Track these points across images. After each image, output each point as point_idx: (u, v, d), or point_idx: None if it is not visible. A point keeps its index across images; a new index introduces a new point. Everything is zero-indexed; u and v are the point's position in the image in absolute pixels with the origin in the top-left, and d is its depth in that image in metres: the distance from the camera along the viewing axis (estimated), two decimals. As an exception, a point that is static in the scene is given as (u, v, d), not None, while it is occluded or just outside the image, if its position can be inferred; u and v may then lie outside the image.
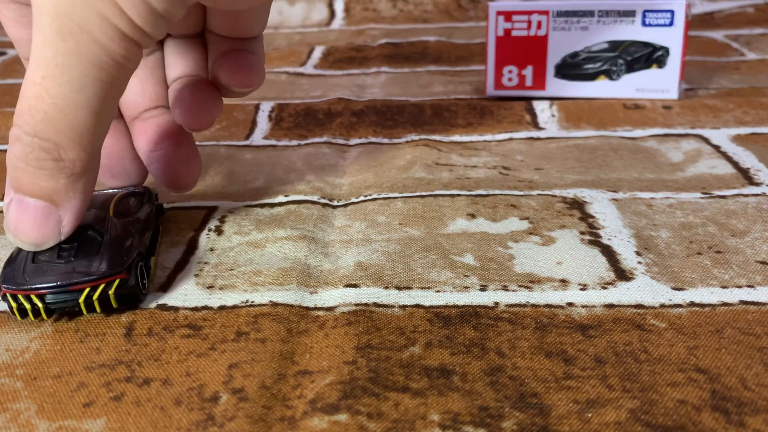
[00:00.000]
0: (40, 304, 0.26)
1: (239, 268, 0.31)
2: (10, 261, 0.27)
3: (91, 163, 0.24)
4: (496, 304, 0.28)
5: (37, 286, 0.26)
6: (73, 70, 0.21)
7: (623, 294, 0.28)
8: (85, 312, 0.27)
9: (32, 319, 0.27)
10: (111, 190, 0.33)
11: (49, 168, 0.23)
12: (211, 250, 0.33)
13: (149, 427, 0.22)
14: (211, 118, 0.33)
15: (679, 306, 0.28)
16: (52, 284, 0.26)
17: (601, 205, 0.35)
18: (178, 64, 0.34)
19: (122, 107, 0.34)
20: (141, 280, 0.28)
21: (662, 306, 0.28)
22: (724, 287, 0.29)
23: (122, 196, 0.32)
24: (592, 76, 0.50)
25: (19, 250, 0.28)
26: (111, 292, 0.27)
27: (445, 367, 0.24)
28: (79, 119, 0.22)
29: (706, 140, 0.43)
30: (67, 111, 0.21)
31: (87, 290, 0.26)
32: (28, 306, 0.26)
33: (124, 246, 0.28)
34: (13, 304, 0.27)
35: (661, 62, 0.49)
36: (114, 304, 0.27)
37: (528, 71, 0.50)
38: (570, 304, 0.28)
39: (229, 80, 0.32)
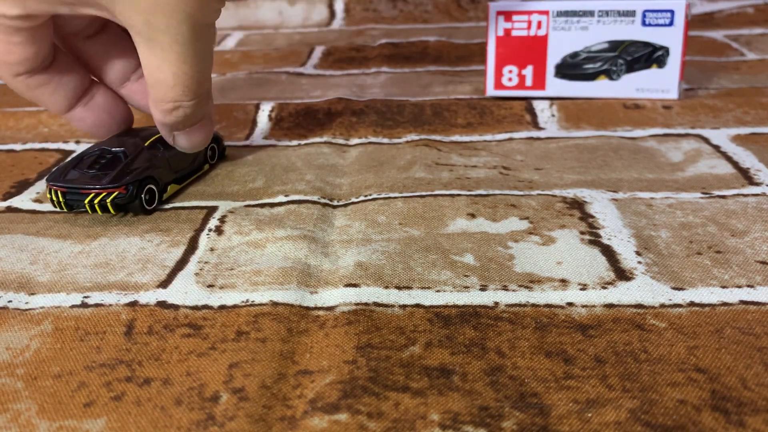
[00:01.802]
0: (60, 199, 0.35)
1: (239, 267, 0.31)
2: (63, 164, 0.36)
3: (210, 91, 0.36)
4: (496, 303, 0.28)
5: (60, 184, 0.35)
6: (203, 46, 0.32)
7: (623, 294, 0.28)
8: (89, 211, 0.35)
9: (58, 209, 0.36)
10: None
11: (202, 111, 0.35)
12: (212, 249, 0.33)
13: (150, 427, 0.22)
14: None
15: (679, 306, 0.28)
16: (69, 185, 0.35)
17: (601, 205, 0.35)
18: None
19: (110, 78, 0.39)
20: (144, 197, 0.35)
21: (662, 306, 0.28)
22: (724, 287, 0.29)
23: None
24: (592, 76, 0.50)
25: (73, 159, 0.36)
26: (109, 200, 0.34)
27: (445, 366, 0.24)
28: (209, 73, 0.34)
29: (706, 140, 0.43)
30: (205, 74, 0.33)
31: (91, 195, 0.34)
32: (54, 198, 0.35)
33: (134, 169, 0.35)
34: (48, 195, 0.35)
35: (661, 62, 0.49)
36: (111, 210, 0.34)
37: (528, 71, 0.50)
38: (570, 304, 0.28)
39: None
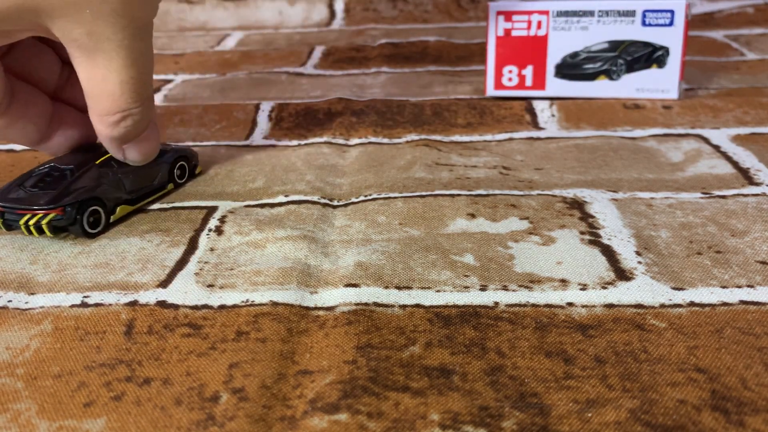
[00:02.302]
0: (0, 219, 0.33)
1: (239, 267, 0.31)
2: (11, 181, 0.34)
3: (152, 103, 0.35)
4: (496, 303, 0.28)
5: (0, 203, 0.33)
6: (146, 47, 0.31)
7: (623, 294, 0.28)
8: (25, 233, 0.33)
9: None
10: (177, 145, 0.40)
11: (146, 118, 0.33)
12: (212, 249, 0.33)
13: (149, 427, 0.22)
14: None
15: (679, 306, 0.28)
16: (7, 204, 0.33)
17: (601, 205, 0.35)
18: None
19: (41, 85, 0.36)
20: (86, 219, 0.33)
21: (662, 306, 0.28)
22: (724, 287, 0.29)
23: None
24: (592, 76, 0.50)
25: (22, 176, 0.34)
26: (44, 222, 0.32)
27: (445, 366, 0.24)
28: (150, 78, 0.33)
29: (706, 140, 0.43)
30: (148, 79, 0.32)
31: (27, 216, 0.32)
32: None
33: (77, 189, 0.33)
34: None
35: (661, 62, 0.49)
36: (47, 233, 0.33)
37: (528, 71, 0.50)
38: (570, 304, 0.28)
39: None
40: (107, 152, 0.35)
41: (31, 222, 0.32)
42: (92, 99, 0.32)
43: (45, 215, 0.32)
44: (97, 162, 0.35)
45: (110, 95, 0.31)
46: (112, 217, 0.35)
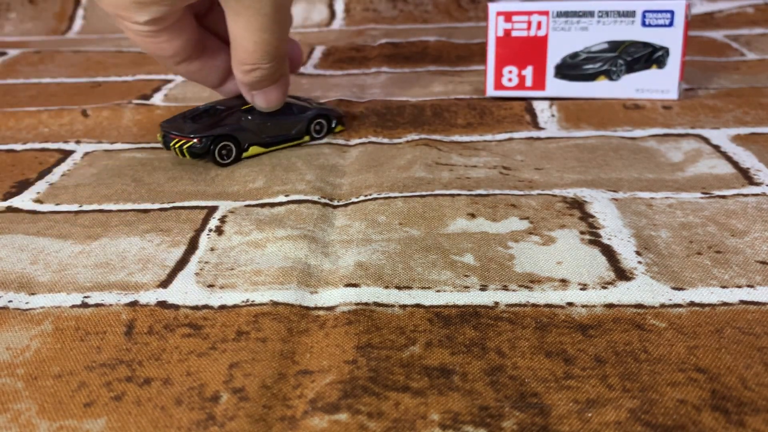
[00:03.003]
0: (160, 138, 0.42)
1: (240, 267, 0.31)
2: (179, 113, 0.43)
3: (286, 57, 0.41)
4: (496, 303, 0.28)
5: (163, 126, 0.42)
6: (283, 18, 0.36)
7: (623, 294, 0.28)
8: (176, 153, 0.41)
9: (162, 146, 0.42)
10: (322, 103, 0.46)
11: (277, 72, 0.40)
12: (212, 249, 0.33)
13: (150, 427, 0.22)
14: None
15: (679, 306, 0.28)
16: (165, 129, 0.41)
17: (601, 204, 0.35)
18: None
19: (226, 40, 0.42)
20: (217, 151, 0.41)
21: (662, 306, 0.28)
22: (724, 287, 0.29)
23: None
24: (591, 77, 0.50)
25: (192, 110, 0.43)
26: (185, 147, 0.40)
27: (445, 366, 0.24)
28: (285, 40, 0.38)
29: (706, 140, 0.43)
30: (281, 42, 0.37)
31: (174, 140, 0.41)
32: (159, 136, 0.42)
33: (219, 126, 0.41)
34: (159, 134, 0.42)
35: (660, 62, 0.49)
36: (187, 156, 0.41)
37: (528, 71, 0.50)
38: (570, 304, 0.28)
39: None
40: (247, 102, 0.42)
41: (176, 145, 0.40)
42: (233, 49, 0.38)
43: (187, 141, 0.40)
44: (243, 108, 0.42)
45: (245, 50, 0.37)
46: (244, 154, 0.42)
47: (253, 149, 0.42)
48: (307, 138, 0.44)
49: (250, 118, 0.42)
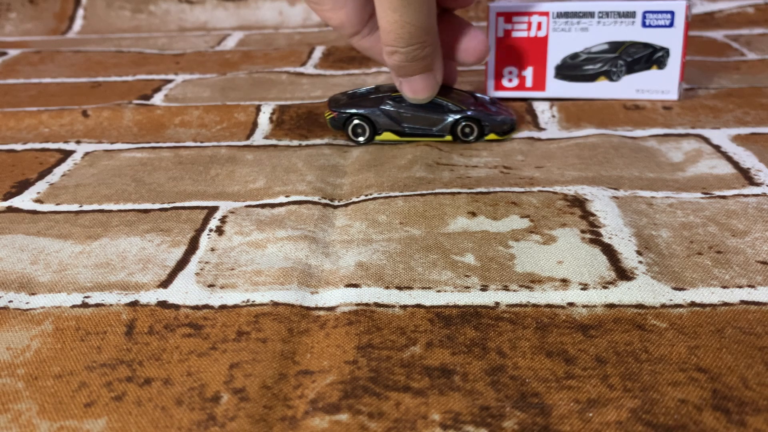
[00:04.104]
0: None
1: (240, 267, 0.31)
2: (345, 91, 0.46)
3: (438, 42, 0.40)
4: (497, 304, 0.28)
5: (328, 100, 0.46)
6: (414, 4, 0.36)
7: (624, 294, 0.28)
8: (329, 124, 0.45)
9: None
10: (492, 110, 0.45)
11: (421, 58, 0.39)
12: (212, 249, 0.33)
13: (150, 427, 0.22)
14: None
15: (680, 306, 0.28)
16: (328, 100, 0.46)
17: (601, 203, 0.35)
18: None
19: (348, 32, 0.43)
20: (350, 128, 0.44)
21: (663, 306, 0.28)
22: (724, 287, 0.29)
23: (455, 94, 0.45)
24: (592, 77, 0.50)
25: (354, 89, 0.46)
26: (328, 118, 0.45)
27: (446, 366, 0.24)
28: (426, 25, 0.37)
29: (706, 140, 0.43)
30: (418, 25, 0.36)
31: (327, 112, 0.45)
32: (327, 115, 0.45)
33: (360, 105, 0.44)
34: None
35: (661, 63, 0.49)
36: (329, 126, 0.45)
37: (528, 72, 0.50)
38: (571, 304, 0.28)
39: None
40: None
41: (326, 115, 0.45)
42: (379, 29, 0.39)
43: (330, 114, 0.44)
44: (392, 94, 0.44)
45: (383, 30, 0.38)
46: (377, 137, 0.44)
47: (387, 135, 0.44)
48: (449, 138, 0.44)
49: (391, 103, 0.43)
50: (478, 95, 0.46)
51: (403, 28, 0.37)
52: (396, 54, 0.39)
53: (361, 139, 0.44)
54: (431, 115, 0.43)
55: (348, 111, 0.43)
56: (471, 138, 0.44)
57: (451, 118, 0.43)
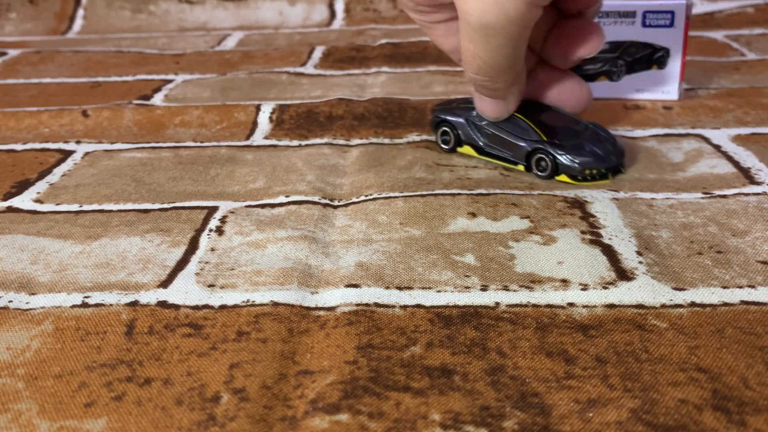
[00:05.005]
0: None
1: (240, 267, 0.31)
2: (456, 103, 0.43)
3: (515, 80, 0.38)
4: (497, 304, 0.28)
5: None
6: (490, 41, 0.34)
7: (624, 294, 0.28)
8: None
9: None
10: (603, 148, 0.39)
11: (490, 88, 0.38)
12: (212, 250, 0.33)
13: (150, 427, 0.22)
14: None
15: (680, 306, 0.28)
16: (436, 105, 0.44)
17: (602, 204, 0.35)
18: None
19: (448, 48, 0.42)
20: (439, 133, 0.43)
21: (663, 306, 0.28)
22: (725, 287, 0.29)
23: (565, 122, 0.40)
24: (592, 77, 0.50)
25: (461, 98, 0.44)
26: (431, 118, 0.44)
27: (446, 366, 0.24)
28: (499, 65, 0.36)
29: (706, 140, 0.43)
30: (491, 63, 0.36)
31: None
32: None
33: (453, 113, 0.42)
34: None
35: (661, 63, 0.49)
36: (431, 128, 0.44)
37: (528, 71, 0.50)
38: (571, 304, 0.28)
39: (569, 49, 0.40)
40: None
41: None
42: None
43: (431, 114, 0.43)
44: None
45: (462, 50, 0.37)
46: (458, 148, 0.42)
47: (467, 148, 0.42)
48: (521, 167, 0.39)
49: (476, 116, 0.41)
50: (599, 128, 0.40)
51: (474, 60, 0.36)
52: (467, 73, 0.38)
53: (446, 147, 0.42)
54: (510, 136, 0.39)
55: (441, 116, 0.42)
56: (544, 174, 0.38)
57: (527, 145, 0.39)
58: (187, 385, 0.24)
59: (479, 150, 0.41)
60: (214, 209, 0.37)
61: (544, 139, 0.38)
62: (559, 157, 0.38)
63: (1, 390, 0.24)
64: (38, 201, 0.38)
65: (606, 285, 0.29)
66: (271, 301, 0.28)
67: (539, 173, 0.39)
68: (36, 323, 0.28)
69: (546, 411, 0.22)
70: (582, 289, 0.29)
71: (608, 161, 0.38)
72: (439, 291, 0.29)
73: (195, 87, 0.58)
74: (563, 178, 0.38)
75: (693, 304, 0.28)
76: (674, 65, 0.49)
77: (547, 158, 0.38)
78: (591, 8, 0.39)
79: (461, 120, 0.41)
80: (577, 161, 0.37)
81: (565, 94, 0.40)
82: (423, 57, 0.65)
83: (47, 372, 0.25)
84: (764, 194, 0.36)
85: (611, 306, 0.28)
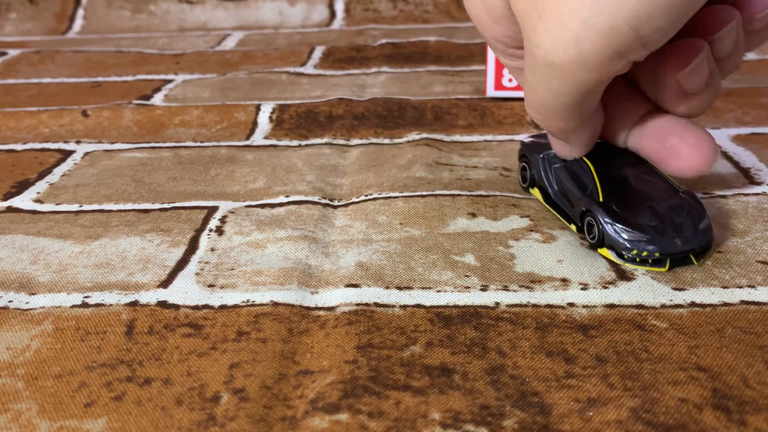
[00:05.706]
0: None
1: (240, 267, 0.31)
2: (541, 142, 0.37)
3: (580, 124, 0.31)
4: (497, 304, 0.28)
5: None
6: (551, 83, 0.28)
7: (624, 294, 0.28)
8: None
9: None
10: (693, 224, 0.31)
11: (546, 127, 0.31)
12: (212, 249, 0.33)
13: (150, 427, 0.22)
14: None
15: (680, 306, 0.28)
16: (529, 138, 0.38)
17: (601, 204, 0.35)
18: None
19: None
20: (521, 170, 0.37)
21: (663, 306, 0.28)
22: (724, 287, 0.29)
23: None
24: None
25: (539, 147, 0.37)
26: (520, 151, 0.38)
27: (446, 366, 0.24)
28: (556, 110, 0.30)
29: (706, 140, 0.43)
30: (547, 105, 0.30)
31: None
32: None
33: (532, 152, 0.36)
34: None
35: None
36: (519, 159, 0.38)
37: (528, 71, 0.50)
38: (571, 304, 0.28)
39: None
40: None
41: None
42: None
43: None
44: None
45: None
46: (531, 189, 0.37)
47: (535, 191, 0.36)
48: (573, 227, 0.33)
49: (547, 157, 0.35)
50: (692, 199, 0.31)
51: (530, 93, 0.30)
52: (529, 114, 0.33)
53: (524, 184, 0.37)
54: (573, 186, 0.33)
55: (523, 151, 0.37)
56: (590, 240, 0.31)
57: (583, 203, 0.32)
58: (187, 385, 0.24)
59: (546, 197, 0.35)
60: (214, 209, 0.37)
61: (600, 199, 0.31)
62: (606, 226, 0.30)
63: (1, 390, 0.24)
64: (38, 201, 0.38)
65: (606, 285, 0.29)
66: (271, 301, 0.28)
67: (590, 240, 0.31)
68: (36, 323, 0.28)
69: (546, 410, 0.22)
70: (582, 289, 0.29)
71: (671, 246, 0.29)
72: (439, 291, 0.29)
73: (195, 87, 0.58)
74: (605, 252, 0.31)
75: (693, 304, 0.28)
76: (674, 65, 0.49)
77: (596, 224, 0.31)
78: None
79: (539, 157, 0.35)
80: (624, 236, 0.30)
81: (684, 149, 0.31)
82: (423, 57, 0.65)
83: (47, 372, 0.25)
84: (764, 194, 0.36)
85: (611, 306, 0.28)
